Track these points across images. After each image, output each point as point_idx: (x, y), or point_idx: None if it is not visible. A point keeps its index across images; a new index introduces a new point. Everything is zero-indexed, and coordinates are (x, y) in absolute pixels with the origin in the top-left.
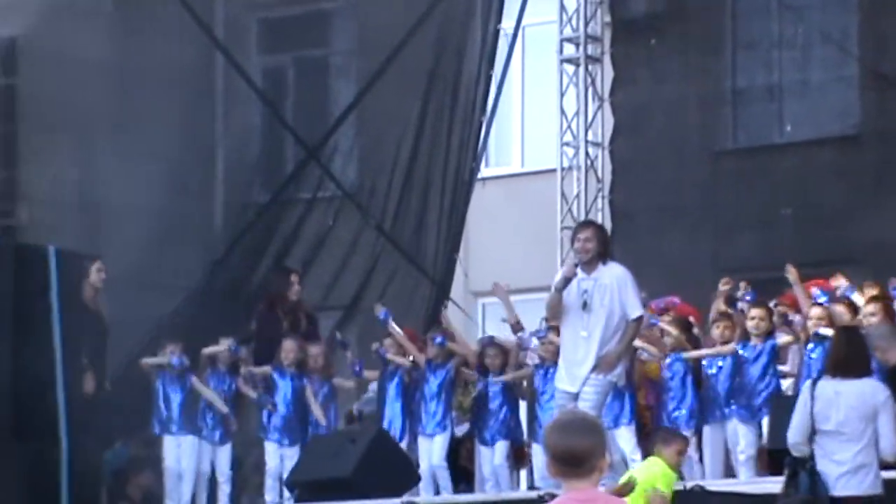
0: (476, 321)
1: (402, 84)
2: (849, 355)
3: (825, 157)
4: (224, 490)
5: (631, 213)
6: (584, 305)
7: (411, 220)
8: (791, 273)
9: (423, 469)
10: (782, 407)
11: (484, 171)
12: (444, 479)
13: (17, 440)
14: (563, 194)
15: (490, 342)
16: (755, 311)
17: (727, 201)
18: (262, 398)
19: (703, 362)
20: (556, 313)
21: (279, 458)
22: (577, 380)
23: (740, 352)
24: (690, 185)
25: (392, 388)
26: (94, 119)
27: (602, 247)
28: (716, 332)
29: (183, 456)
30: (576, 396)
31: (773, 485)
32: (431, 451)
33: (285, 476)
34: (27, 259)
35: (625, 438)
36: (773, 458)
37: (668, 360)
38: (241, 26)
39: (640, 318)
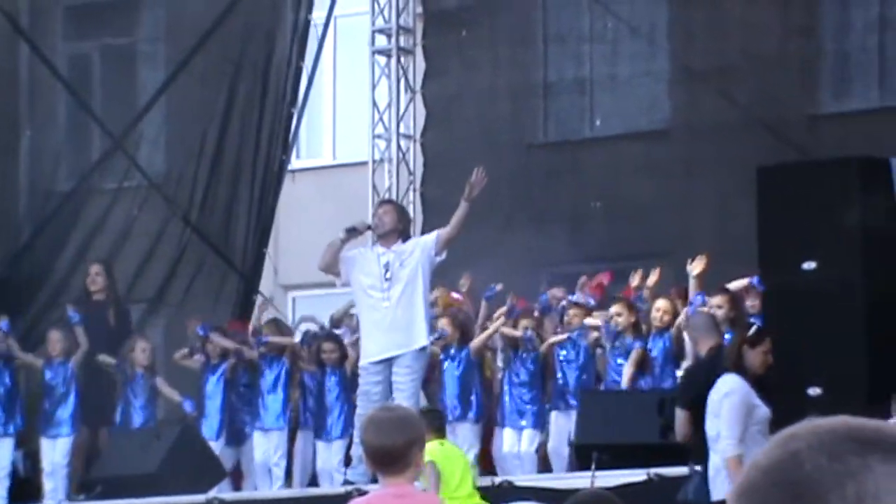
0: (286, 314)
1: (209, 72)
2: None
3: (634, 152)
4: (3, 485)
5: (443, 207)
6: (386, 277)
7: (219, 211)
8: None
9: (259, 462)
10: (593, 401)
11: (295, 163)
12: (278, 475)
13: None
14: (374, 187)
15: (327, 336)
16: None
17: (539, 195)
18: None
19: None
20: (330, 264)
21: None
22: (386, 346)
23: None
24: (502, 179)
25: (212, 384)
26: None
27: (401, 224)
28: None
29: None
30: (386, 366)
31: (581, 480)
32: (268, 446)
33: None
34: None
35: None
36: (580, 452)
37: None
38: (47, 13)
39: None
